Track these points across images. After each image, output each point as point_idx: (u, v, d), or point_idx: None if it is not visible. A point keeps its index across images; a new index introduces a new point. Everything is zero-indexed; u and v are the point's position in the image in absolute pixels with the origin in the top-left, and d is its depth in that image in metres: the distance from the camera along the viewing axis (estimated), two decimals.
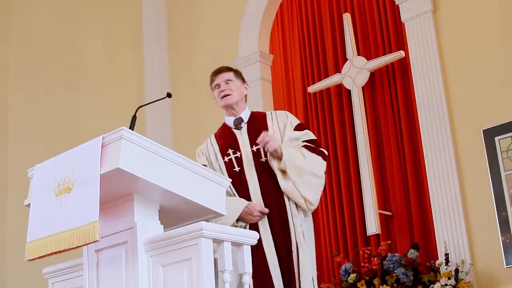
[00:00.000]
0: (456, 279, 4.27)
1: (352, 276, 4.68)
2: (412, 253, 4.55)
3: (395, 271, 4.48)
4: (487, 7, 4.72)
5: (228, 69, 3.62)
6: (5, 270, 5.56)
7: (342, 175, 5.33)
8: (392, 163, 5.11)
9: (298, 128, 3.52)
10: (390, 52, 5.23)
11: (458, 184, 4.58)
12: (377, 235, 4.95)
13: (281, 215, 3.32)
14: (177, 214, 2.71)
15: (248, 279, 2.56)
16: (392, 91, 5.24)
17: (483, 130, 4.55)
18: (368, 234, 4.95)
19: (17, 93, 6.04)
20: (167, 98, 3.50)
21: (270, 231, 3.31)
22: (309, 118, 5.64)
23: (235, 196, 3.39)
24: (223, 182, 2.76)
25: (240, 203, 3.32)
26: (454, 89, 4.77)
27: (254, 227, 3.29)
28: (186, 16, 6.70)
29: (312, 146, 3.44)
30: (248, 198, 3.35)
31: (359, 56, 5.36)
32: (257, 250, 3.14)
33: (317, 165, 3.40)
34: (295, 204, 3.34)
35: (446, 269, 4.35)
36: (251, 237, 2.60)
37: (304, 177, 3.32)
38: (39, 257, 2.51)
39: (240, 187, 3.39)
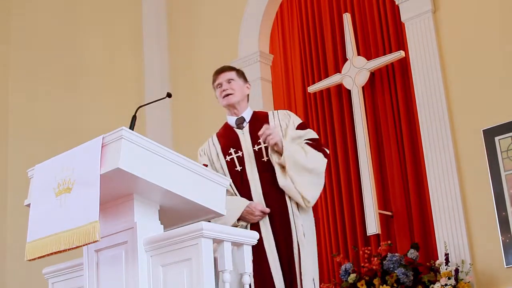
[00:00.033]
0: (456, 279, 4.27)
1: (352, 276, 4.68)
2: (412, 253, 4.55)
3: (395, 271, 4.48)
4: (487, 7, 4.73)
5: (231, 68, 3.63)
6: (5, 270, 5.56)
7: (342, 175, 5.33)
8: (392, 163, 5.11)
9: (301, 127, 3.51)
10: (390, 52, 5.23)
11: (458, 184, 4.58)
12: (377, 235, 4.95)
13: (283, 214, 3.32)
14: (177, 214, 2.71)
15: (248, 279, 2.56)
16: (392, 91, 5.24)
17: (483, 130, 4.55)
18: (368, 234, 4.95)
19: (17, 93, 6.04)
20: (167, 98, 3.50)
21: (271, 231, 3.30)
22: (309, 118, 5.64)
23: (236, 195, 3.39)
24: (223, 182, 2.75)
25: (241, 203, 3.32)
26: (454, 89, 4.77)
27: (255, 226, 3.28)
28: (186, 16, 6.70)
29: (315, 144, 3.43)
30: (250, 198, 3.35)
31: (359, 56, 5.36)
32: (258, 250, 3.14)
33: (318, 162, 3.39)
34: (297, 203, 3.34)
35: (446, 269, 4.35)
36: (251, 237, 2.60)
37: (304, 173, 3.31)
38: (39, 257, 2.51)
39: (242, 187, 3.39)
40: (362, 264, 4.72)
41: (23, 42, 6.17)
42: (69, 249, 2.42)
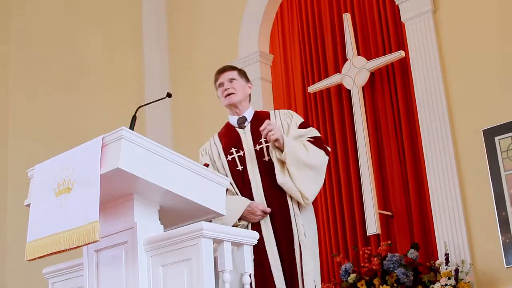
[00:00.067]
0: (456, 279, 4.27)
1: (352, 276, 4.68)
2: (412, 253, 4.55)
3: (395, 271, 4.48)
4: (487, 7, 4.73)
5: (232, 68, 3.63)
6: (5, 270, 5.56)
7: (342, 175, 5.33)
8: (392, 163, 5.11)
9: (302, 126, 3.51)
10: (390, 52, 5.23)
11: (458, 184, 4.58)
12: (377, 235, 4.95)
13: (284, 214, 3.32)
14: (177, 214, 2.71)
15: (248, 279, 2.56)
16: (392, 91, 5.24)
17: (483, 130, 4.55)
18: (368, 234, 4.95)
19: (17, 93, 6.04)
20: (167, 98, 3.50)
21: (272, 231, 3.30)
22: (309, 118, 5.64)
23: (237, 195, 3.39)
24: (223, 182, 2.75)
25: (242, 202, 3.32)
26: (454, 89, 4.77)
27: (256, 226, 3.28)
28: (186, 16, 6.70)
29: (316, 142, 3.43)
30: (251, 197, 3.35)
31: (359, 56, 5.36)
32: (259, 250, 3.14)
33: (319, 159, 3.38)
34: (298, 203, 3.34)
35: (446, 269, 4.35)
36: (251, 237, 2.60)
37: (304, 170, 3.31)
38: (39, 257, 2.51)
39: (243, 186, 3.39)
40: (362, 264, 4.72)
41: (23, 42, 6.17)
42: (69, 249, 2.42)
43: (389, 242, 4.75)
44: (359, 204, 5.11)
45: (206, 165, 3.44)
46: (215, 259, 2.45)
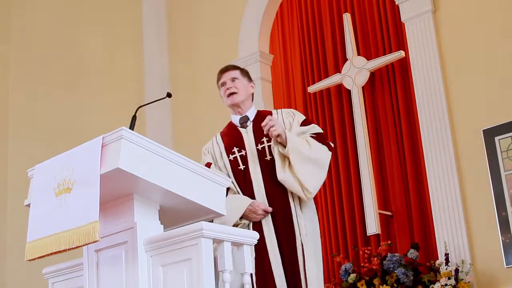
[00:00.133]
0: (456, 279, 4.27)
1: (352, 276, 4.68)
2: (412, 253, 4.55)
3: (395, 271, 4.48)
4: (487, 7, 4.73)
5: (235, 67, 3.63)
6: (5, 270, 5.56)
7: (342, 175, 5.33)
8: (392, 163, 5.11)
9: (305, 123, 3.51)
10: (390, 52, 5.23)
11: (458, 184, 4.58)
12: (377, 235, 4.95)
13: (285, 214, 3.32)
14: (177, 214, 2.71)
15: (248, 279, 2.56)
16: (392, 91, 5.24)
17: (483, 130, 4.55)
18: (368, 234, 4.95)
19: (17, 93, 6.04)
20: (167, 98, 3.50)
21: (273, 230, 3.30)
22: (309, 118, 5.63)
23: (239, 194, 3.39)
24: (223, 182, 2.75)
25: (244, 201, 3.32)
26: (454, 89, 4.77)
27: (257, 225, 3.29)
28: (186, 16, 6.70)
29: (319, 138, 3.43)
30: (252, 196, 3.35)
31: (359, 56, 5.36)
32: (260, 249, 3.14)
33: (322, 154, 3.37)
34: (299, 203, 3.33)
35: (446, 269, 4.35)
36: (251, 237, 2.60)
37: (307, 163, 3.29)
38: (39, 257, 2.51)
39: (245, 185, 3.39)
40: (362, 264, 4.72)
41: (23, 42, 6.17)
42: (69, 249, 2.41)
43: (389, 242, 4.75)
44: (359, 204, 5.11)
45: (209, 164, 3.45)
46: (215, 259, 2.45)
